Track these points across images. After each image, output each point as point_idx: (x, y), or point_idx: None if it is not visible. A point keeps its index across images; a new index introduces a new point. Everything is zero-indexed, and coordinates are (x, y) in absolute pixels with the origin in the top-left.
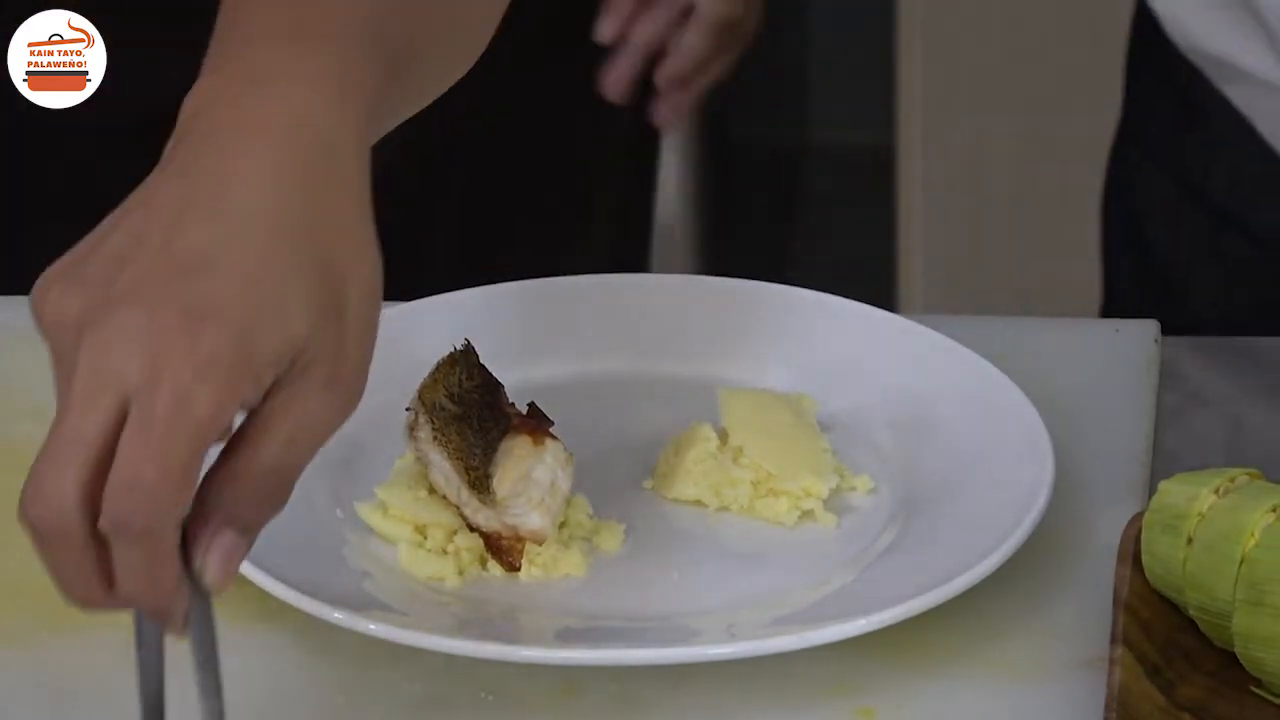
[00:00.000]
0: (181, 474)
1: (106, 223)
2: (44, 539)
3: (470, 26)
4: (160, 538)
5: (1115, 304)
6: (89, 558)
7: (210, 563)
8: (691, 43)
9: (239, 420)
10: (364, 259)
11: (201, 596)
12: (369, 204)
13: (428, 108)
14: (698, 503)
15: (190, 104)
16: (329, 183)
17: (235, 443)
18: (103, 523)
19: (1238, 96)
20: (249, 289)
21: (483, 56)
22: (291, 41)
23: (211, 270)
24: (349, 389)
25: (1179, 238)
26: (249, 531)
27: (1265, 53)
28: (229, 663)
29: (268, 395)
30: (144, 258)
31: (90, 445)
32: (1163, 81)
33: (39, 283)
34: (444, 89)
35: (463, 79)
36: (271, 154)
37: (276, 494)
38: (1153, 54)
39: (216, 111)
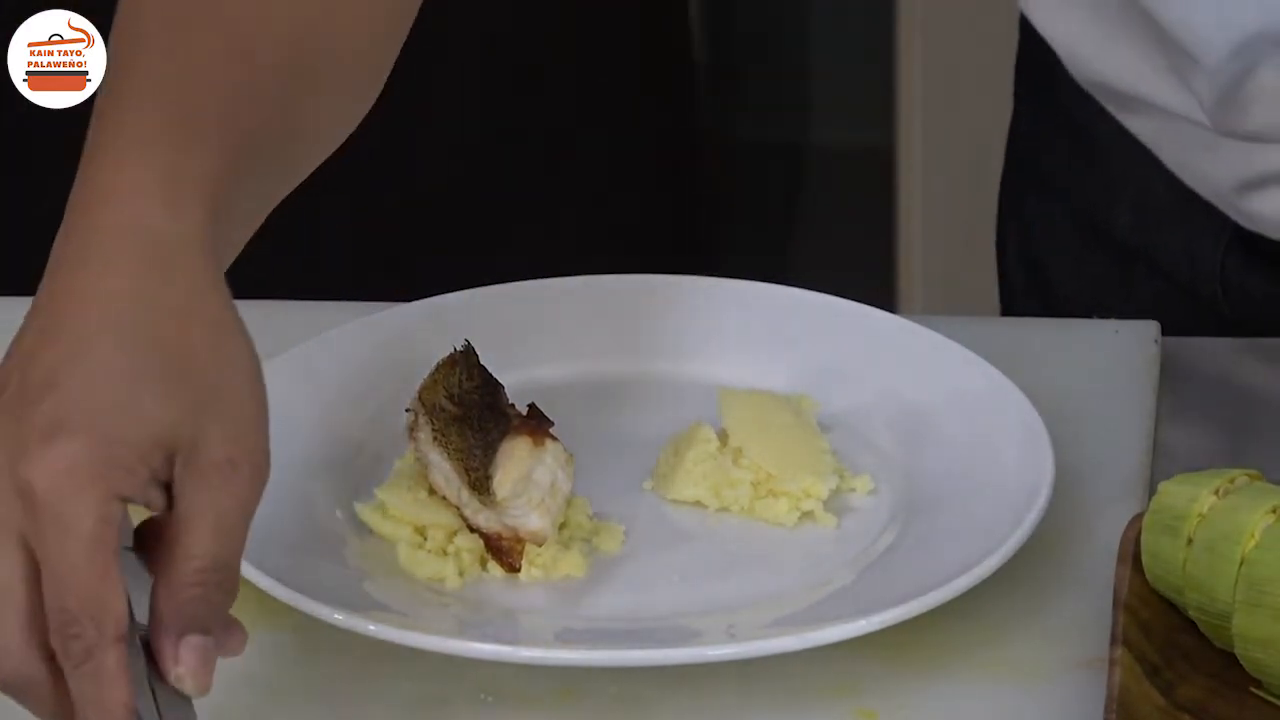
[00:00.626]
0: (101, 579)
1: None
2: (14, 691)
3: (344, 97)
4: (101, 661)
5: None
6: (62, 695)
7: (185, 671)
8: None
9: None
10: (225, 342)
11: (184, 701)
12: (222, 290)
13: (425, 114)
14: (698, 503)
15: (61, 229)
16: (168, 281)
17: (163, 552)
18: (57, 655)
19: (1139, 127)
20: (92, 397)
21: (485, 61)
22: (121, 152)
23: (55, 390)
24: (252, 464)
25: (1084, 275)
26: (209, 630)
27: (1169, 80)
28: (228, 662)
29: (174, 501)
30: (5, 399)
31: (14, 593)
32: (1055, 117)
33: None
34: (325, 155)
35: (464, 88)
36: (106, 268)
37: (224, 586)
38: (1043, 89)
39: (66, 236)
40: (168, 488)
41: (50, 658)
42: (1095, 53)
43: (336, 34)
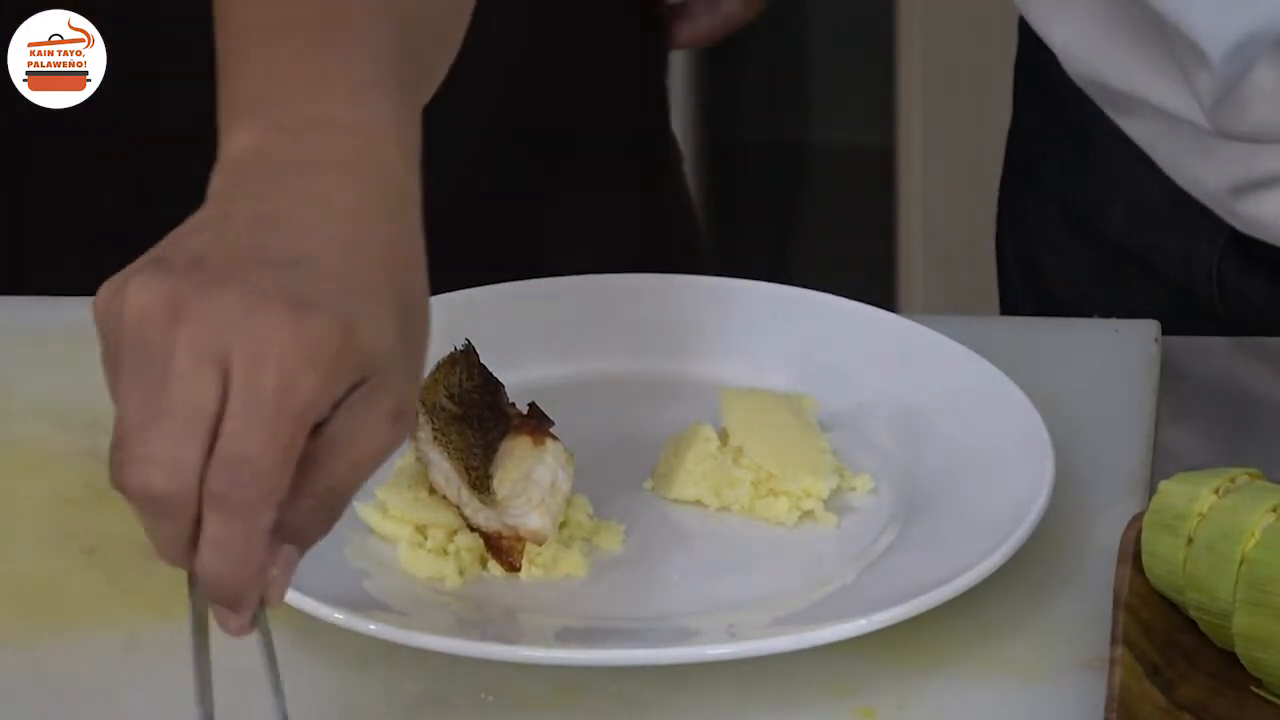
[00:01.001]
0: (285, 453)
1: (171, 235)
2: (153, 504)
3: (459, 19)
4: (259, 514)
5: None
6: (192, 523)
7: (274, 577)
8: (703, 29)
9: None
10: (425, 299)
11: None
12: (423, 245)
13: (425, 114)
14: (698, 503)
15: (238, 146)
16: (403, 222)
17: (302, 461)
18: (206, 493)
19: (1135, 130)
20: (347, 287)
21: (485, 57)
22: (341, 90)
23: (309, 266)
24: (408, 422)
25: (1078, 276)
26: (303, 549)
27: (1167, 80)
28: (227, 663)
29: (333, 416)
30: (232, 252)
31: (206, 415)
32: (1053, 118)
33: (104, 288)
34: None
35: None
36: (354, 188)
37: (335, 514)
38: (1041, 90)
39: (280, 153)
40: None
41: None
42: (1093, 52)
43: None
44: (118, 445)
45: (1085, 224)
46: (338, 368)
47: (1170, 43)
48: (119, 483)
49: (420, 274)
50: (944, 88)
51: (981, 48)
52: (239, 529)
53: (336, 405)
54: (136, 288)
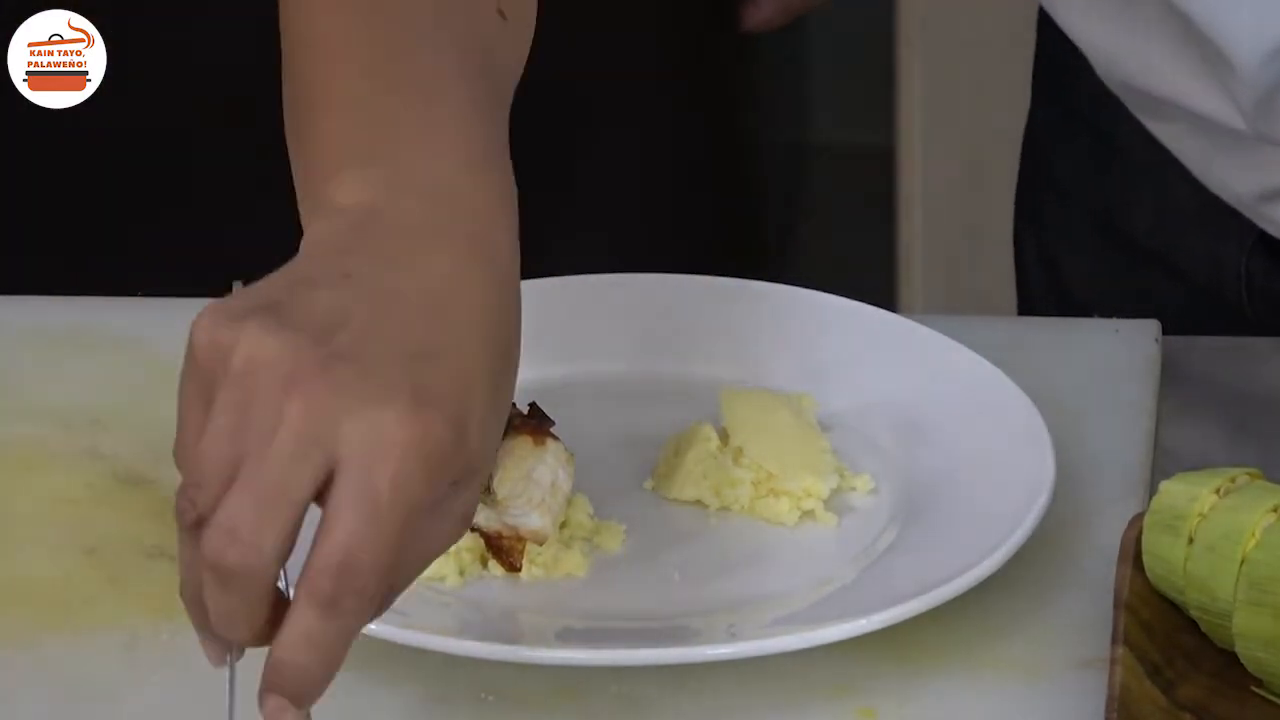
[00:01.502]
0: (392, 553)
1: (287, 277)
2: (230, 581)
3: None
4: (363, 614)
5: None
6: (266, 607)
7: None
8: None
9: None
10: (511, 398)
11: None
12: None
13: None
14: (698, 503)
15: (352, 199)
16: (515, 314)
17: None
18: (307, 588)
19: (1164, 132)
20: (467, 385)
21: None
22: (458, 156)
23: (436, 360)
24: (469, 523)
25: (1100, 277)
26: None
27: (1203, 84)
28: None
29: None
30: (361, 328)
31: (298, 503)
32: (1074, 118)
33: (211, 314)
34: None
35: None
36: (480, 273)
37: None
38: (1063, 89)
39: (402, 218)
40: None
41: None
42: (1126, 56)
43: (523, 59)
44: (194, 486)
45: (1109, 224)
46: (447, 468)
47: (1207, 49)
48: (192, 530)
49: (516, 372)
50: (944, 88)
51: (982, 48)
52: (337, 627)
53: None
54: (254, 335)
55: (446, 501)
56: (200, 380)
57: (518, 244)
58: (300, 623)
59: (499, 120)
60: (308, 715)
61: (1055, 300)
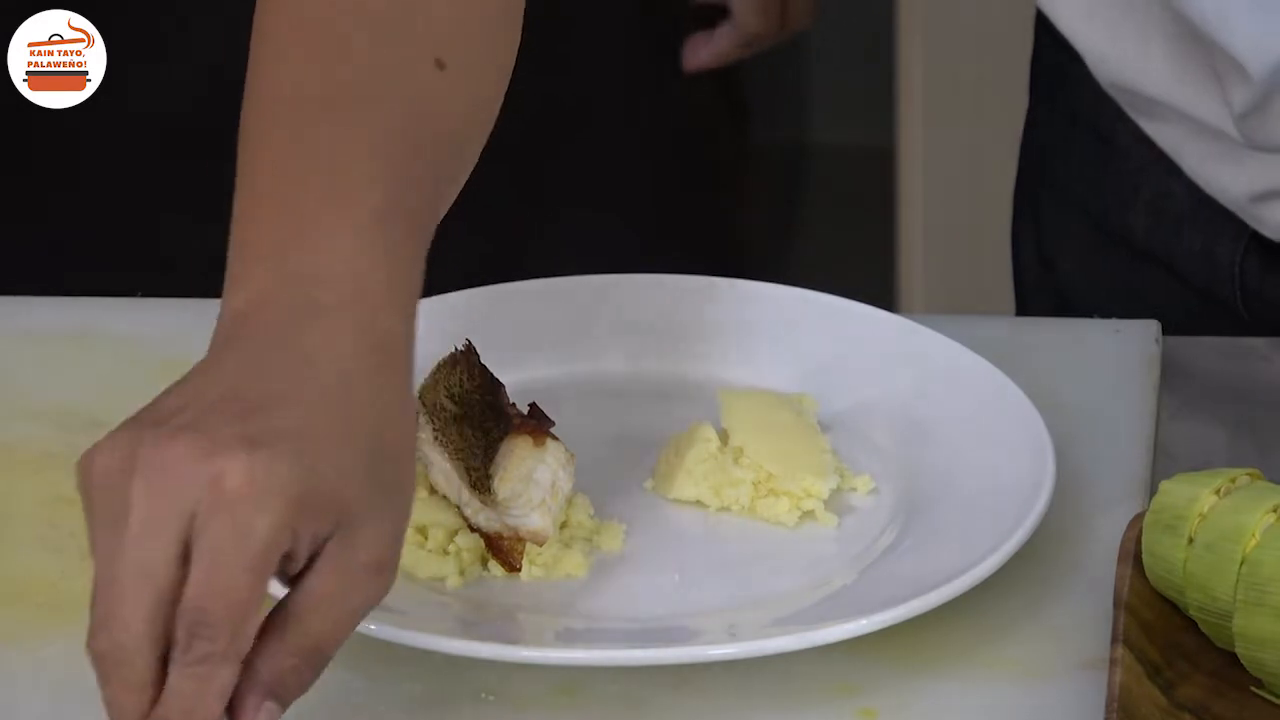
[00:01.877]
0: (243, 602)
1: (159, 395)
2: (109, 668)
3: (478, 136)
4: (218, 668)
5: None
6: (150, 687)
7: None
8: (720, 48)
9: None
10: (409, 454)
11: None
12: (414, 398)
13: None
14: (698, 503)
15: (240, 301)
16: (389, 376)
17: (283, 616)
18: (175, 649)
19: (1160, 133)
20: (311, 432)
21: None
22: (343, 241)
23: (272, 410)
24: (391, 574)
25: (1097, 277)
26: (286, 704)
27: (1198, 89)
28: None
29: (311, 569)
30: (203, 403)
31: (156, 577)
32: (1071, 118)
33: (86, 454)
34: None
35: None
36: (342, 340)
37: (316, 671)
38: (1059, 90)
39: (275, 307)
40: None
41: (159, 653)
42: (1122, 58)
43: (476, 111)
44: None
45: (1105, 224)
46: (297, 511)
47: (1208, 55)
48: (87, 649)
49: (405, 428)
50: (944, 88)
51: (982, 48)
52: (193, 676)
53: (313, 558)
54: (104, 446)
55: (335, 551)
56: (86, 511)
57: (409, 311)
58: (170, 680)
59: (415, 197)
60: None
61: (1052, 300)
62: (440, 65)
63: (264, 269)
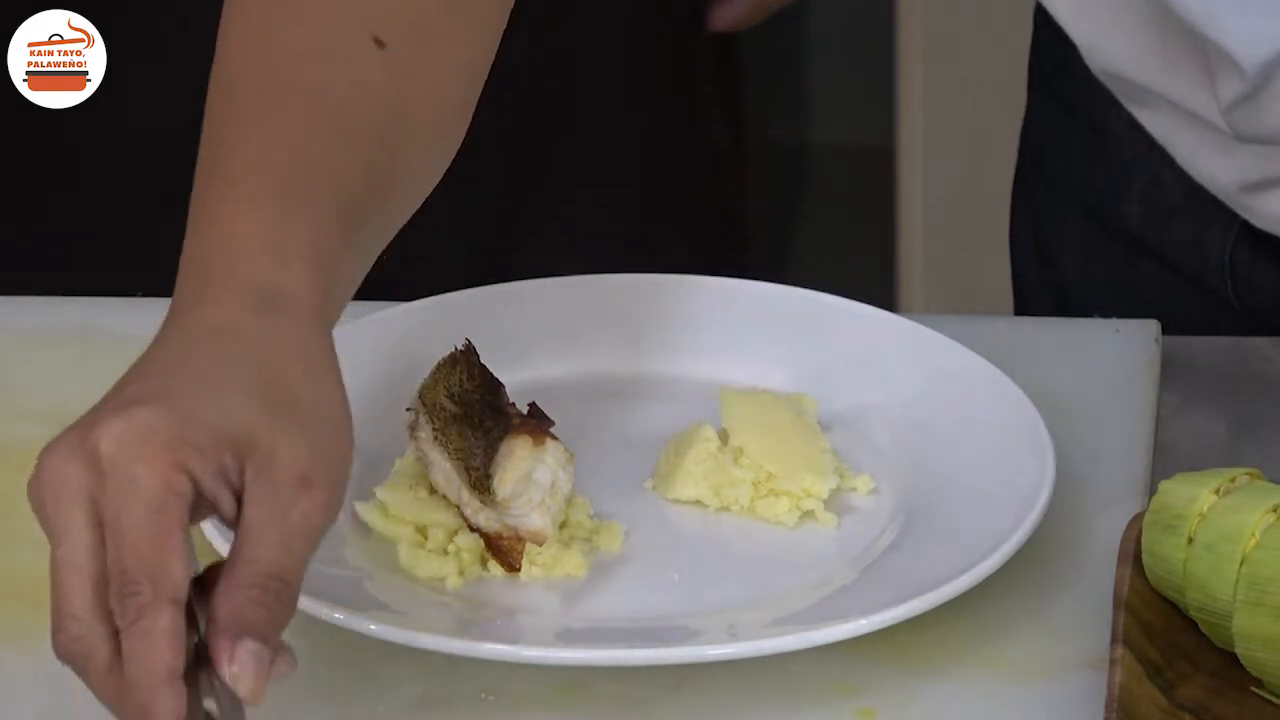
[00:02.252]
0: (155, 549)
1: None
2: (78, 662)
3: (432, 154)
4: (154, 615)
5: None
6: (118, 665)
7: (239, 673)
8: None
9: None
10: (318, 373)
11: (238, 710)
12: (324, 335)
13: None
14: (698, 503)
15: (169, 314)
16: (271, 318)
17: (230, 557)
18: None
19: (1152, 122)
20: (174, 384)
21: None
22: (231, 218)
23: (146, 373)
24: (326, 486)
25: (1092, 268)
26: (267, 638)
27: (1188, 80)
28: None
29: (248, 506)
30: (96, 404)
31: (81, 565)
32: (1067, 110)
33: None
34: (414, 210)
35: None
36: (212, 307)
37: (282, 597)
38: (1056, 81)
39: (179, 289)
40: (238, 501)
41: (115, 631)
42: (1114, 48)
43: (424, 96)
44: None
45: (1100, 215)
46: (179, 451)
47: (1199, 48)
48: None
49: (303, 360)
50: (944, 88)
51: (982, 47)
52: (139, 641)
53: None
54: (29, 480)
55: (255, 479)
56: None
57: (314, 281)
58: (123, 648)
59: (318, 168)
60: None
61: (1050, 296)
62: (379, 44)
63: (183, 266)
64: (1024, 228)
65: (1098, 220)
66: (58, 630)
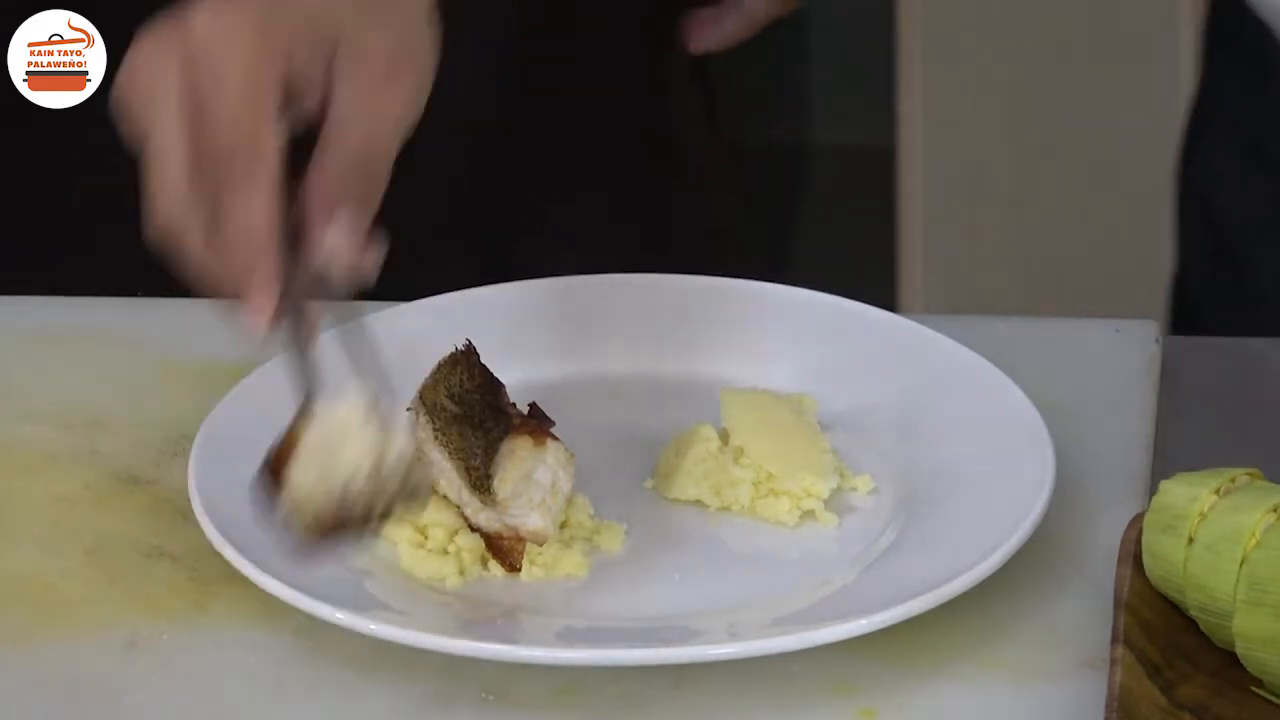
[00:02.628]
0: (251, 124)
1: None
2: (176, 245)
3: None
4: (253, 173)
5: (1187, 283)
6: (213, 244)
7: (336, 242)
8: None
9: None
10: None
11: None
12: None
13: (425, 114)
14: (698, 503)
15: None
16: None
17: (320, 146)
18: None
19: None
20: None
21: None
22: None
23: None
24: (415, 69)
25: (1249, 211)
26: (362, 208)
27: None
28: (229, 661)
29: (338, 94)
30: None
31: (177, 139)
32: (1237, 58)
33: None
34: None
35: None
36: None
37: (372, 178)
38: (1229, 30)
39: None
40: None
41: (210, 211)
42: None
43: None
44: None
45: (1259, 156)
46: (273, 37)
47: None
48: (151, 239)
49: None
50: (944, 88)
51: (982, 47)
52: (238, 207)
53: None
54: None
55: (343, 63)
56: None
57: None
58: (225, 212)
59: None
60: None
61: (1211, 244)
62: None
63: None
64: (1186, 179)
65: (1260, 159)
66: (152, 215)
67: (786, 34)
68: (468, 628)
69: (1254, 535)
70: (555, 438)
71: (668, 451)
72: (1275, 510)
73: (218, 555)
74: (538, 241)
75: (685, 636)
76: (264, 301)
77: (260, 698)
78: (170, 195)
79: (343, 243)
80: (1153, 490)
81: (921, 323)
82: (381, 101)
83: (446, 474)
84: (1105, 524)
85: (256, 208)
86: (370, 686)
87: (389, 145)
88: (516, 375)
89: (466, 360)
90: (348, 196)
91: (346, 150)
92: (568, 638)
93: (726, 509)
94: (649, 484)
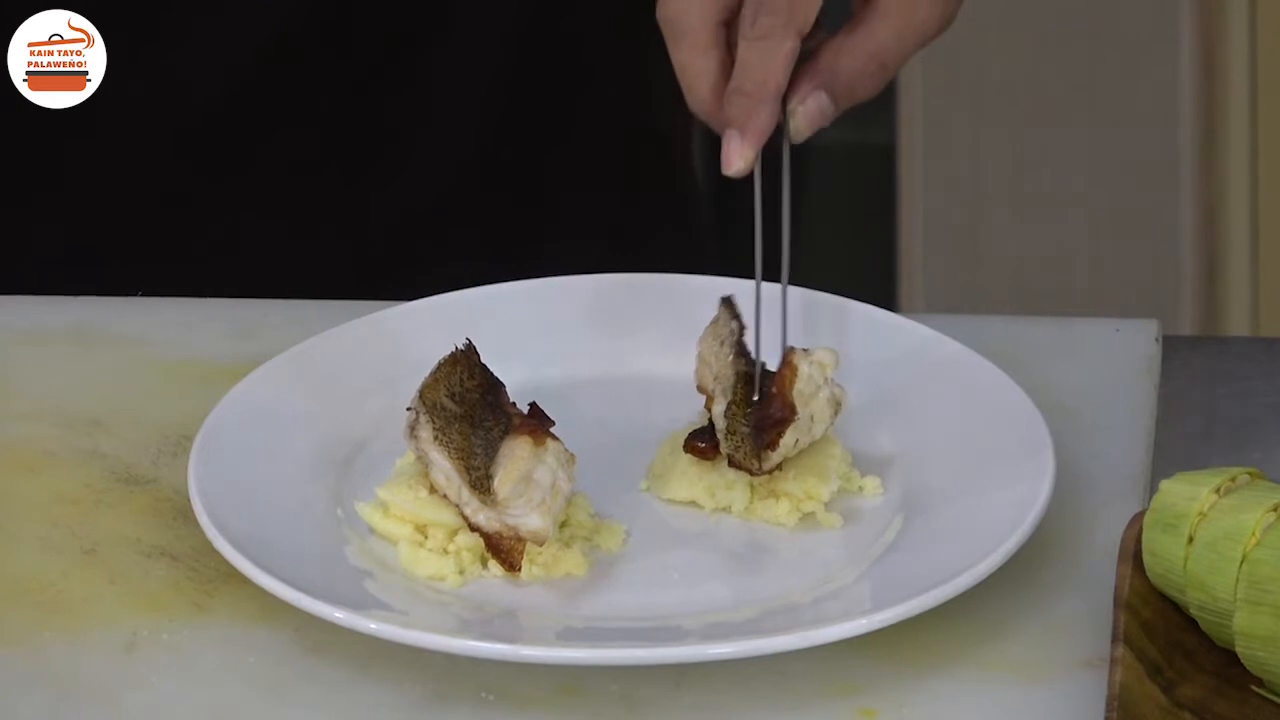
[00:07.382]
0: None
1: None
2: (674, 31)
3: None
4: (780, 38)
5: None
6: (712, 49)
7: (802, 111)
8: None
9: None
10: None
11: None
12: None
13: (425, 114)
14: (693, 504)
15: None
16: None
17: (853, 24)
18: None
19: None
20: None
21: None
22: None
23: None
24: (946, 7)
25: None
26: (838, 102)
27: None
28: (229, 662)
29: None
30: None
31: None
32: None
33: None
34: None
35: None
36: None
37: (875, 77)
38: None
39: None
40: None
41: (727, 56)
42: None
43: None
44: None
45: None
46: None
47: None
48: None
49: None
50: (944, 87)
51: (981, 48)
52: (759, 56)
53: None
54: None
55: None
56: None
57: None
58: (740, 55)
59: None
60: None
61: None
62: None
63: None
64: None
65: None
66: (674, 49)
67: None
68: (467, 627)
69: (1254, 534)
70: (555, 438)
71: (662, 451)
72: (1275, 509)
73: (218, 555)
74: (538, 242)
75: (685, 636)
76: (754, 145)
77: (260, 698)
78: (693, 28)
79: (811, 112)
80: (1153, 489)
81: (921, 323)
82: (916, 14)
83: (446, 474)
84: (1105, 523)
85: (776, 66)
86: (370, 686)
87: (904, 55)
88: (517, 374)
89: (466, 360)
90: (842, 85)
91: (869, 43)
92: (567, 637)
93: (724, 510)
94: (643, 484)
